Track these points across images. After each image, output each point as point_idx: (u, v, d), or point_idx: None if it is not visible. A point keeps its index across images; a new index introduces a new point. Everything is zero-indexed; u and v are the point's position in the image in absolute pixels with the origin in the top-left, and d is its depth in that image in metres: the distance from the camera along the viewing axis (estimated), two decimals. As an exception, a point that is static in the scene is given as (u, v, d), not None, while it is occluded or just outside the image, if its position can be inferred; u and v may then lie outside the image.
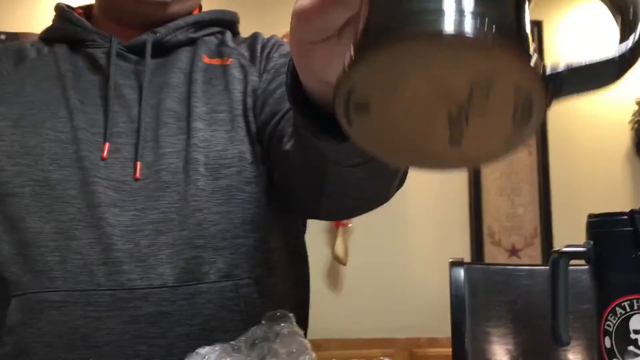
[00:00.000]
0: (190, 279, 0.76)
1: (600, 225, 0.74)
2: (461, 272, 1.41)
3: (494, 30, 0.31)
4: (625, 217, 0.72)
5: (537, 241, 2.48)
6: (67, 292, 0.73)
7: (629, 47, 0.37)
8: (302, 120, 0.53)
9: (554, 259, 0.74)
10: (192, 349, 0.58)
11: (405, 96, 0.34)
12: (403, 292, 2.36)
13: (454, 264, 1.44)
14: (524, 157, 2.52)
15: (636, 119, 2.65)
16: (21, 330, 0.73)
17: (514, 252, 2.46)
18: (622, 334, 0.66)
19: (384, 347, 2.26)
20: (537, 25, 2.60)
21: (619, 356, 0.64)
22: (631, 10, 0.38)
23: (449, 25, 0.31)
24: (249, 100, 0.86)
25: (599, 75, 0.37)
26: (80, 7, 0.98)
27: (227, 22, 0.98)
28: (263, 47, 0.92)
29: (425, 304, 2.41)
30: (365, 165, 0.58)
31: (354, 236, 2.34)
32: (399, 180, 0.70)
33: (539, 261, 2.47)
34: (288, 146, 0.73)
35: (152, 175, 0.79)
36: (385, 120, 0.35)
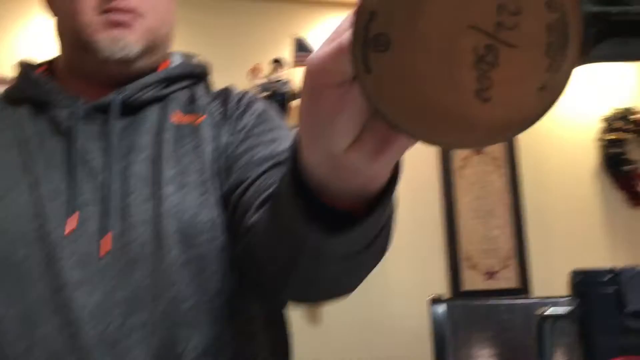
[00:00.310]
0: None
1: (584, 284, 0.73)
2: (441, 309, 1.40)
3: None
4: (609, 275, 0.71)
5: (513, 262, 2.49)
6: None
7: None
8: (295, 205, 0.50)
9: (539, 322, 0.74)
10: None
11: (427, 30, 0.30)
12: (382, 323, 2.34)
13: (434, 301, 1.43)
14: (496, 179, 2.53)
15: (601, 137, 2.69)
16: None
17: (491, 275, 2.46)
18: None
19: (363, 378, 2.23)
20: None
21: None
22: None
23: None
24: (220, 162, 0.82)
25: None
26: (44, 62, 0.94)
27: (197, 75, 0.95)
28: (237, 105, 0.88)
29: (405, 334, 2.40)
30: (357, 255, 0.55)
31: (331, 267, 2.32)
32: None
33: (515, 283, 2.48)
34: (252, 220, 0.70)
35: (120, 249, 0.74)
36: (407, 64, 0.31)
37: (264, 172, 0.76)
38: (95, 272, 0.72)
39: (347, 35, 0.34)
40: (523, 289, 2.48)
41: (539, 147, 2.63)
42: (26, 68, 0.90)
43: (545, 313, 0.73)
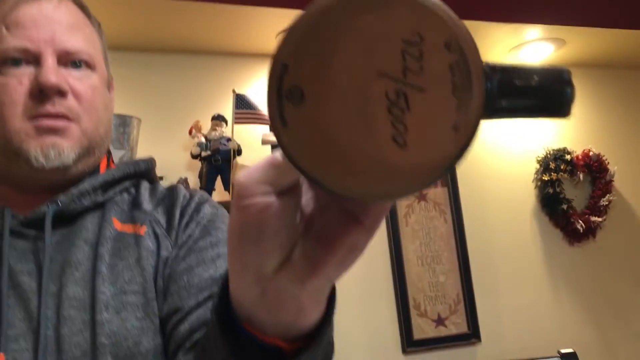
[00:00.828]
0: None
1: None
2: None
3: None
4: None
5: (461, 307, 2.50)
6: None
7: None
8: (223, 346, 0.45)
9: None
10: None
11: (338, 79, 0.32)
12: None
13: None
14: (440, 225, 2.55)
15: (538, 177, 2.76)
16: None
17: (440, 321, 2.46)
18: None
19: None
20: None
21: None
22: None
23: None
24: (159, 281, 0.75)
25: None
26: None
27: (140, 174, 0.89)
28: (182, 213, 0.82)
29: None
30: None
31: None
32: None
33: (465, 328, 2.49)
34: None
35: None
36: (322, 115, 0.32)
37: (201, 304, 0.71)
38: None
39: (276, 155, 0.35)
40: (473, 333, 2.49)
41: (480, 189, 2.67)
42: None
43: None
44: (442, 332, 2.45)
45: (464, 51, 0.32)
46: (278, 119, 0.32)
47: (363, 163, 0.32)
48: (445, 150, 0.32)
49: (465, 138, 0.32)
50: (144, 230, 0.79)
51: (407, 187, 0.33)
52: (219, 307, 0.46)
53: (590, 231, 2.76)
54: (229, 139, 2.14)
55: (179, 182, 2.09)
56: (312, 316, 0.43)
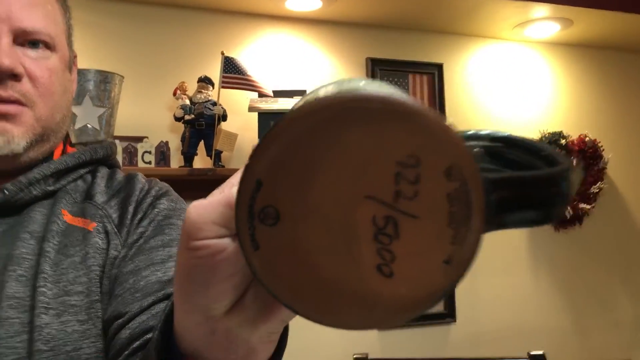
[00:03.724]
0: None
1: None
2: (365, 370, 1.37)
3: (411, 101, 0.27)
4: None
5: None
6: None
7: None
8: None
9: None
10: None
11: (320, 201, 0.28)
12: (309, 349, 2.29)
13: (358, 360, 1.39)
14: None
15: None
16: None
17: (417, 299, 2.46)
18: None
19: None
20: (438, 67, 2.59)
21: None
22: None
23: (367, 93, 0.27)
24: (105, 282, 0.71)
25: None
26: None
27: (97, 161, 0.83)
28: (136, 209, 0.76)
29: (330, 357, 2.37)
30: None
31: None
32: None
33: (441, 308, 2.49)
34: None
35: None
36: (299, 239, 0.29)
37: (144, 310, 0.66)
38: None
39: (234, 192, 0.30)
40: (448, 313, 2.50)
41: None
42: None
43: None
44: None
45: (466, 181, 0.28)
46: (249, 241, 0.29)
47: (342, 294, 0.29)
48: (434, 284, 0.29)
49: (458, 273, 0.29)
50: (93, 226, 0.74)
51: (387, 320, 0.30)
52: (160, 343, 0.42)
53: (577, 218, 2.74)
54: (214, 103, 2.06)
55: (159, 145, 2.03)
56: (263, 356, 0.40)
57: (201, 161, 2.09)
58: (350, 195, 0.28)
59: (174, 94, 2.09)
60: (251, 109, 2.12)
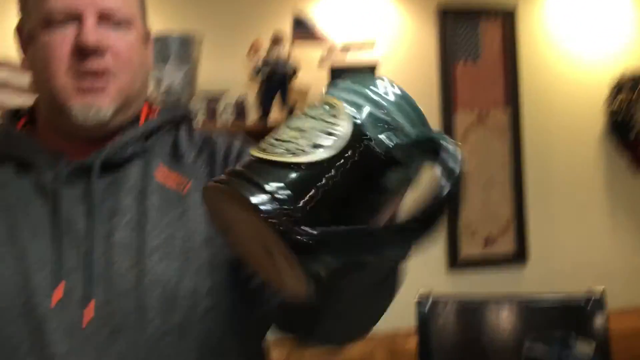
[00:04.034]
0: None
1: None
2: (427, 307, 1.48)
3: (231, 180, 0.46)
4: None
5: (511, 229, 2.54)
6: None
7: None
8: None
9: None
10: None
11: (243, 234, 0.49)
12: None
13: (420, 302, 1.51)
14: (499, 147, 2.54)
15: (609, 102, 2.65)
16: None
17: (488, 242, 2.52)
18: None
19: (362, 344, 2.35)
20: (510, 13, 2.55)
21: None
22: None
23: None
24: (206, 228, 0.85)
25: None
26: (25, 112, 0.95)
27: (178, 121, 0.95)
28: (225, 161, 0.90)
29: (402, 296, 2.49)
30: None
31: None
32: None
33: (514, 250, 2.54)
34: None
35: (104, 318, 0.78)
36: (242, 242, 0.51)
37: None
38: (81, 343, 0.77)
39: None
40: (521, 255, 2.55)
41: (543, 113, 2.61)
42: (8, 123, 0.92)
43: None
44: (489, 252, 2.52)
45: (282, 250, 0.44)
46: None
47: (273, 274, 0.49)
48: (297, 287, 0.46)
49: (306, 286, 0.45)
50: (188, 186, 0.88)
51: (298, 294, 0.47)
52: None
53: (659, 159, 2.66)
54: (287, 60, 2.17)
55: (237, 100, 2.18)
56: None
57: (277, 115, 2.23)
58: (253, 236, 0.47)
59: (249, 51, 2.21)
60: (322, 63, 2.22)
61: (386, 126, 0.46)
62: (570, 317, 1.38)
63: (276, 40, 2.19)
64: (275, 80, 2.15)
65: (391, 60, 2.43)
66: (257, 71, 2.17)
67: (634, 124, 2.61)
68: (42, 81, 0.85)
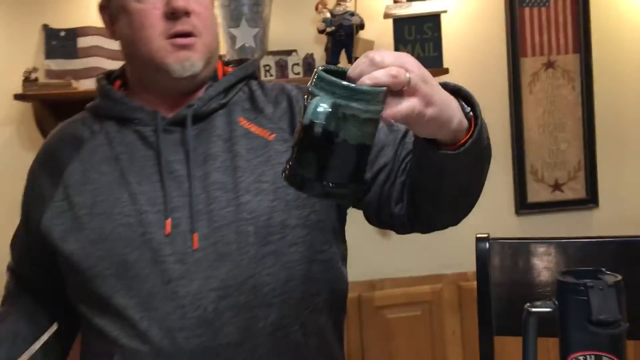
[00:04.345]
0: (250, 335, 0.93)
1: (565, 291, 0.86)
2: (486, 247, 1.58)
3: None
4: (582, 287, 0.84)
5: (581, 174, 2.55)
6: (156, 353, 0.92)
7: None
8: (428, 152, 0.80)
9: (526, 316, 0.91)
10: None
11: None
12: (449, 230, 2.52)
13: (480, 239, 1.60)
14: (568, 93, 2.53)
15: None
16: None
17: (557, 187, 2.55)
18: None
19: (433, 282, 2.48)
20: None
21: None
22: None
23: None
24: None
25: None
26: (117, 75, 1.10)
27: (249, 76, 1.10)
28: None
29: (471, 241, 2.57)
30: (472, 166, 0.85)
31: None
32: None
33: (583, 194, 2.56)
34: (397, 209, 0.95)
35: (209, 247, 0.94)
36: None
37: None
38: (192, 266, 0.93)
39: None
40: (591, 199, 2.56)
41: (615, 56, 2.56)
42: (105, 87, 1.07)
43: (532, 310, 0.90)
44: (559, 196, 2.54)
45: None
46: None
47: None
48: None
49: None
50: (273, 136, 1.02)
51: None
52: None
53: None
54: (352, 14, 2.25)
55: (306, 57, 2.29)
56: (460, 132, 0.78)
57: (343, 68, 2.33)
58: None
59: (316, 8, 2.31)
60: (387, 15, 2.28)
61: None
62: (628, 259, 1.42)
63: (342, -4, 2.27)
64: (342, 34, 2.24)
65: (457, 8, 2.46)
66: (324, 27, 2.26)
67: None
68: (137, 46, 1.00)
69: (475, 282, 1.49)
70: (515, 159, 2.53)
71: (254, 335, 0.93)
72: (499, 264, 1.53)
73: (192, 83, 1.02)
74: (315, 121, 0.61)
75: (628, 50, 2.57)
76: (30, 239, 1.07)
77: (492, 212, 2.53)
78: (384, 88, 0.64)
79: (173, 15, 0.97)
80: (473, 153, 0.80)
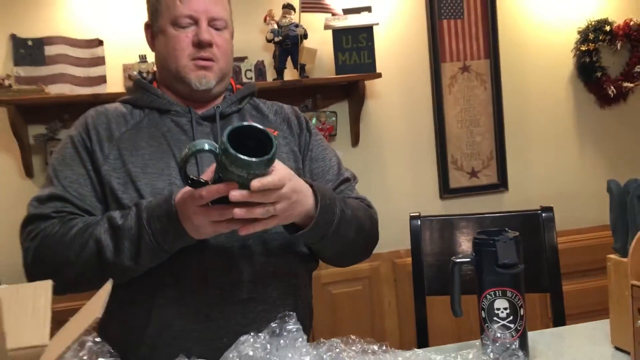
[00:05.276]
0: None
1: (479, 245, 1.18)
2: (418, 223, 1.92)
3: None
4: (491, 241, 1.16)
5: (493, 163, 2.96)
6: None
7: None
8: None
9: (452, 265, 1.22)
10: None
11: None
12: (385, 214, 2.87)
13: (412, 217, 1.93)
14: (480, 93, 2.93)
15: (577, 47, 3.01)
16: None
17: (473, 174, 2.95)
18: (491, 310, 1.13)
19: (371, 261, 2.79)
20: (489, -27, 2.89)
21: (488, 322, 1.13)
22: None
23: None
24: (292, 158, 1.33)
25: None
26: (152, 79, 1.39)
27: (253, 93, 1.42)
28: (300, 127, 1.39)
29: (403, 223, 2.93)
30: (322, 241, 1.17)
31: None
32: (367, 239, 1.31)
33: (495, 179, 2.97)
34: None
35: None
36: None
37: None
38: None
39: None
40: (502, 184, 2.98)
41: (520, 60, 2.98)
42: (145, 85, 1.35)
43: (456, 260, 1.21)
44: (475, 182, 2.95)
45: None
46: None
47: None
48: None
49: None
50: (276, 133, 1.33)
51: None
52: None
53: (622, 95, 3.05)
54: (297, 25, 2.54)
55: (257, 64, 2.56)
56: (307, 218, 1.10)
57: (290, 74, 2.62)
58: None
59: (264, 20, 2.58)
60: (326, 27, 2.59)
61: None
62: (527, 227, 1.75)
63: (287, 9, 2.56)
64: (288, 43, 2.53)
65: (387, 20, 2.80)
66: (272, 37, 2.55)
67: (599, 66, 3.00)
68: (169, 61, 1.30)
69: (408, 259, 1.78)
70: (438, 151, 2.91)
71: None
72: (428, 237, 1.86)
73: (207, 95, 1.32)
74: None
75: (531, 56, 3.00)
76: (90, 174, 1.23)
77: (421, 197, 2.91)
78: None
79: (199, 44, 1.27)
80: (319, 229, 1.16)
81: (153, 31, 1.34)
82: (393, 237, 2.48)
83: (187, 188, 1.04)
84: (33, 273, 1.17)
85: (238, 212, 1.00)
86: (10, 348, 0.62)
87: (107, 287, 0.76)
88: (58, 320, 0.70)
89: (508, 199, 3.00)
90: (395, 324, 2.81)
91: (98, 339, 0.76)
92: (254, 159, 0.96)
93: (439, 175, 2.93)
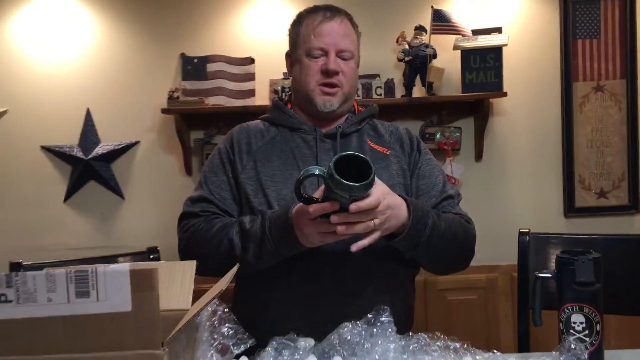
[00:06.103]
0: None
1: (561, 263, 1.28)
2: (527, 239, 2.01)
3: None
4: (571, 260, 1.26)
5: (624, 184, 2.90)
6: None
7: None
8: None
9: (534, 280, 1.34)
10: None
11: None
12: (504, 229, 2.92)
13: (521, 233, 2.03)
14: (614, 113, 2.89)
15: None
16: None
17: (602, 194, 2.91)
18: (568, 323, 1.24)
19: (488, 272, 2.87)
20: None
21: (565, 334, 1.24)
22: None
23: None
24: (400, 175, 1.51)
25: None
26: (287, 101, 1.63)
27: (373, 114, 1.62)
28: (411, 147, 1.56)
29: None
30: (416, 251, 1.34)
31: (464, 190, 2.92)
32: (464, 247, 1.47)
33: (626, 201, 2.91)
34: None
35: None
36: None
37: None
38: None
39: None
40: (632, 205, 2.91)
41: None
42: (281, 106, 1.60)
43: (539, 275, 1.32)
44: (603, 202, 2.91)
45: None
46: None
47: None
48: None
49: None
50: (389, 152, 1.53)
51: None
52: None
53: None
54: (427, 46, 2.71)
55: (387, 81, 2.77)
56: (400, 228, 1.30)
57: (418, 91, 2.79)
58: None
59: (397, 41, 2.79)
60: (455, 47, 2.73)
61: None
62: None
63: (418, 31, 2.74)
64: (417, 63, 2.71)
65: (517, 41, 2.87)
66: (403, 56, 2.74)
67: None
68: (301, 85, 1.54)
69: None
70: (565, 169, 2.92)
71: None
72: (535, 253, 1.94)
73: (331, 115, 1.54)
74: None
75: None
76: (230, 181, 1.51)
77: (544, 214, 2.93)
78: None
79: (327, 72, 1.49)
80: (411, 237, 1.33)
81: (292, 60, 1.58)
82: (513, 251, 2.53)
83: (301, 203, 1.26)
84: (183, 258, 1.46)
85: (339, 229, 1.21)
86: (162, 309, 0.77)
87: (233, 270, 1.00)
88: (197, 296, 0.92)
89: (639, 221, 2.92)
90: (511, 336, 2.86)
91: (227, 309, 1.02)
92: (355, 184, 1.15)
93: (564, 193, 2.93)
